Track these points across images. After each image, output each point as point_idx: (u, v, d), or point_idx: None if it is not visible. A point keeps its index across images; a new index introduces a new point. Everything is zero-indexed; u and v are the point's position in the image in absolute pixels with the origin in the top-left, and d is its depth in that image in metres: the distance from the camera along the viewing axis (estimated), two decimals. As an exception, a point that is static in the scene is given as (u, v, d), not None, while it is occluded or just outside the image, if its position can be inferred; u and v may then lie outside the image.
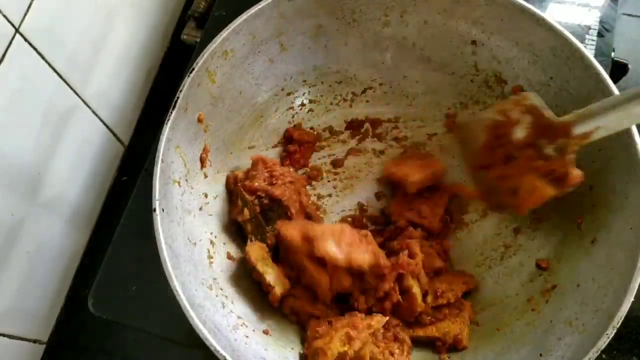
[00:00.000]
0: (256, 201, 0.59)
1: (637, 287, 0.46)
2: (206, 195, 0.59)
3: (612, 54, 0.71)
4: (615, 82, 0.53)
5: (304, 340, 0.56)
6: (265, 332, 0.55)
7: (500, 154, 0.53)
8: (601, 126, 0.47)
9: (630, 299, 0.46)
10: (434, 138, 0.68)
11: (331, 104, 0.69)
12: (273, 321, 0.57)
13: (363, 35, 0.64)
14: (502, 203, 0.55)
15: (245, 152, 0.65)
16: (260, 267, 0.56)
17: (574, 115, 0.49)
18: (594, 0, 0.75)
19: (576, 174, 0.50)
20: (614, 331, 0.45)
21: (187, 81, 0.54)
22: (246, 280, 0.58)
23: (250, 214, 0.59)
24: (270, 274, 0.56)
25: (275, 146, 0.68)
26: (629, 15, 0.84)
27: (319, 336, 0.53)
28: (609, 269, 0.49)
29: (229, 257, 0.59)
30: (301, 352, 0.55)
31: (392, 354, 0.54)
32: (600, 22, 0.73)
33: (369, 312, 0.56)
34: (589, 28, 0.73)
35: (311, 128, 0.69)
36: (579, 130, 0.49)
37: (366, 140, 0.69)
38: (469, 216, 0.65)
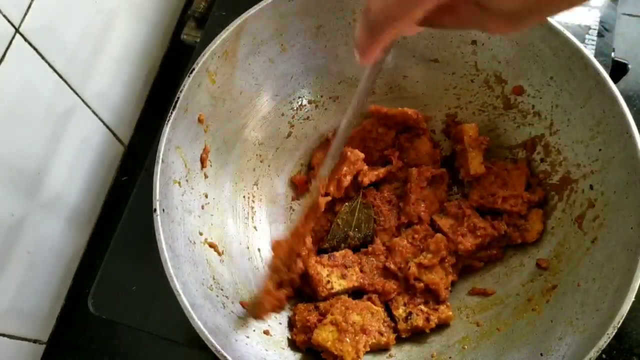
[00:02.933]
0: None
1: (637, 286, 0.46)
2: (207, 196, 0.59)
3: (612, 54, 0.71)
4: (615, 82, 0.53)
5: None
6: (266, 333, 0.55)
7: None
8: None
9: (631, 298, 0.45)
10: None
11: (332, 103, 0.69)
12: (273, 321, 0.57)
13: (363, 35, 0.64)
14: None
15: (244, 152, 0.65)
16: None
17: None
18: (594, 0, 0.75)
19: None
20: (615, 331, 0.45)
21: (188, 81, 0.54)
22: (246, 280, 0.58)
23: None
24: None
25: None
26: (629, 15, 0.84)
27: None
28: (609, 269, 0.49)
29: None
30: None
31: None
32: (600, 22, 0.73)
33: None
34: (589, 28, 0.73)
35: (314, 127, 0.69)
36: None
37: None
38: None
